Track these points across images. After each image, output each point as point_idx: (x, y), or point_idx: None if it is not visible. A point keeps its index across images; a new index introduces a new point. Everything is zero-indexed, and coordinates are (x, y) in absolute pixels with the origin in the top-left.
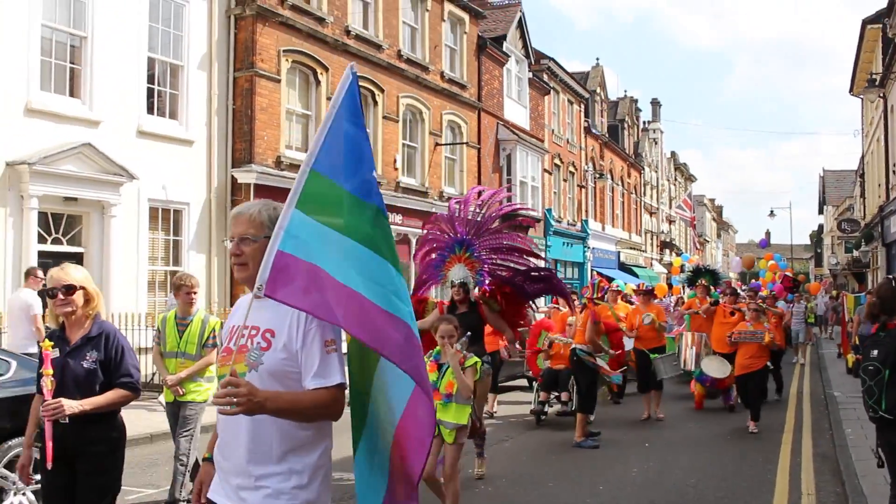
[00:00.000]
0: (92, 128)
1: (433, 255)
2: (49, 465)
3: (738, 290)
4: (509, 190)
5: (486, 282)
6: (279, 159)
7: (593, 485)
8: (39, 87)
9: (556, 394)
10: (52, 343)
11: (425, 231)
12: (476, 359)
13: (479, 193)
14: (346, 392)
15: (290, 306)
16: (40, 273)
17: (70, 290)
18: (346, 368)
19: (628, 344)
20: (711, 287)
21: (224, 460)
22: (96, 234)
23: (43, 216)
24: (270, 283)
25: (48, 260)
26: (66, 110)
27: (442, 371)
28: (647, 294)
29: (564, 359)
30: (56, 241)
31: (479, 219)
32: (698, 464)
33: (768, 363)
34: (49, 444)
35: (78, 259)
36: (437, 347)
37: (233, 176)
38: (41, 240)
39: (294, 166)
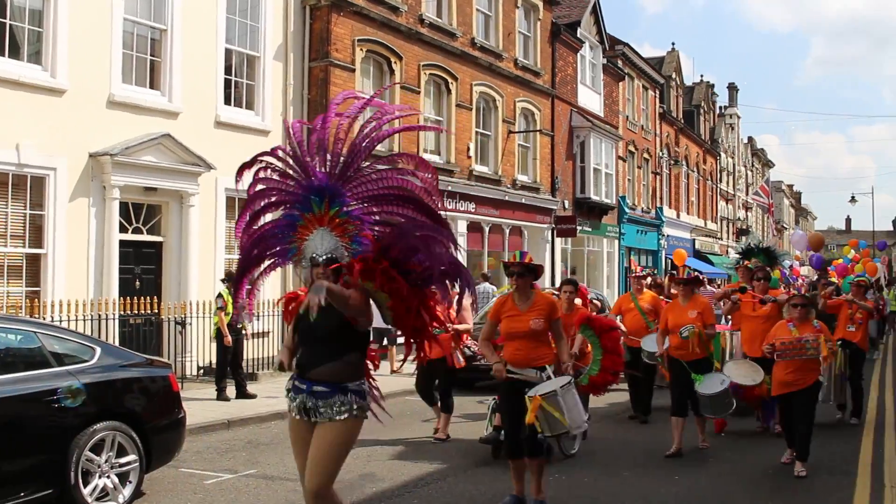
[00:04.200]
0: (171, 119)
1: (271, 217)
2: None
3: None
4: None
5: (364, 251)
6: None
7: None
8: (121, 79)
9: None
10: None
11: (253, 174)
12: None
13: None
14: None
15: None
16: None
17: None
18: None
19: (653, 343)
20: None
21: None
22: (175, 224)
23: (124, 206)
24: None
25: (129, 249)
26: (147, 102)
27: None
28: (691, 284)
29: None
30: (136, 231)
31: (343, 150)
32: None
33: (820, 378)
34: None
35: (157, 248)
36: None
37: None
38: (122, 229)
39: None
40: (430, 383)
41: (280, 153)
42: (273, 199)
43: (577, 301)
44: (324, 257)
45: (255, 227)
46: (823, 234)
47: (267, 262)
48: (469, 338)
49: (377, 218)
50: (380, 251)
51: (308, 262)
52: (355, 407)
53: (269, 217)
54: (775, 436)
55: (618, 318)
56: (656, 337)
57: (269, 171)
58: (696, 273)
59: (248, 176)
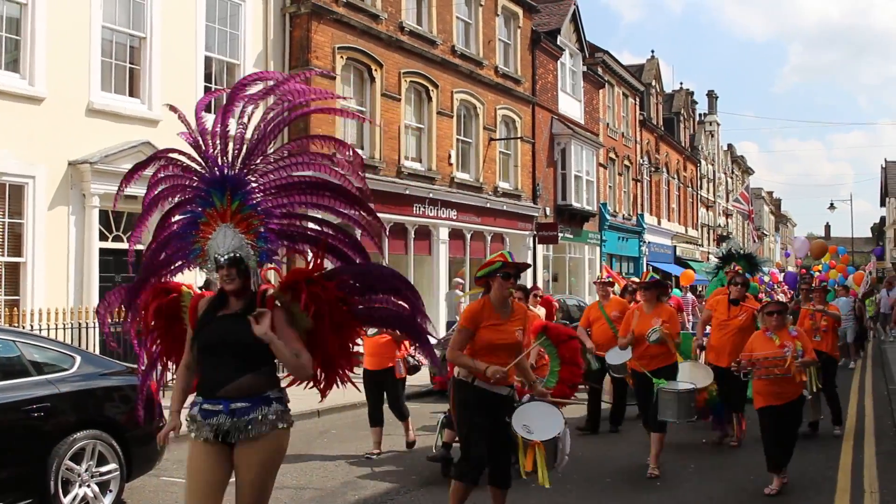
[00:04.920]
0: (151, 127)
1: (175, 215)
2: None
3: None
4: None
5: (281, 250)
6: (334, 156)
7: None
8: (100, 87)
9: None
10: None
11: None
12: None
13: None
14: None
15: None
16: None
17: None
18: None
19: (617, 356)
20: (748, 277)
21: None
22: None
23: (104, 214)
24: None
25: (109, 257)
26: (126, 110)
27: None
28: (654, 289)
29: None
30: (117, 239)
31: (251, 135)
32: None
33: (804, 392)
34: None
35: (138, 257)
36: None
37: None
38: (102, 237)
39: (350, 162)
40: (379, 398)
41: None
42: (177, 198)
43: (541, 311)
44: (225, 257)
45: (163, 230)
46: (813, 240)
47: (174, 266)
48: (412, 346)
49: (286, 210)
50: (338, 278)
51: (213, 263)
52: (282, 418)
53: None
54: (735, 448)
55: (586, 330)
56: (619, 343)
57: (171, 167)
58: (658, 278)
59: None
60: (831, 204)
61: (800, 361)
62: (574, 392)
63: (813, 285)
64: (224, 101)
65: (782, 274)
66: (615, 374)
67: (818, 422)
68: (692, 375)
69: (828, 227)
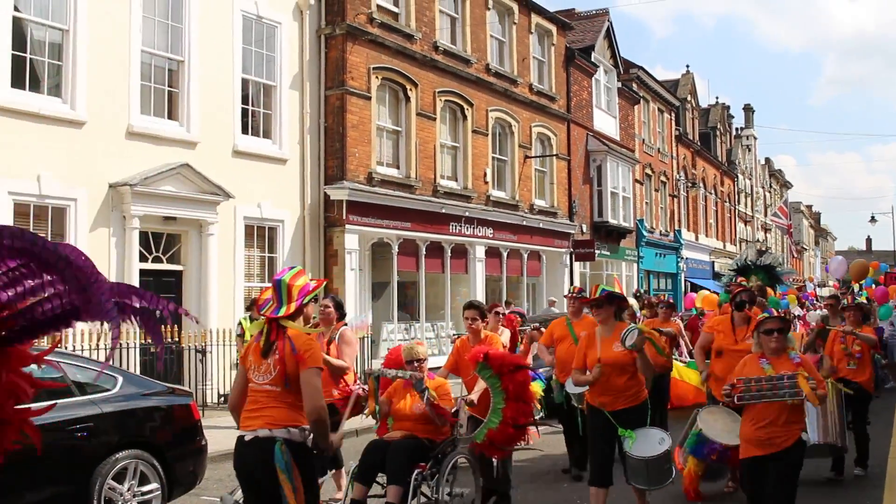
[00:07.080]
0: (189, 149)
1: None
2: None
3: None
4: None
5: None
6: (370, 175)
7: None
8: (140, 110)
9: (381, 484)
10: None
11: None
12: None
13: None
14: None
15: None
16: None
17: None
18: None
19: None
20: (768, 290)
21: None
22: (194, 253)
23: (144, 235)
24: None
25: (149, 278)
26: (165, 132)
27: None
28: (608, 305)
29: (408, 419)
30: (156, 260)
31: None
32: None
33: (803, 435)
34: None
35: (177, 277)
36: None
37: (325, 193)
38: (142, 258)
39: (385, 182)
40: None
41: None
42: None
43: (506, 334)
44: None
45: None
46: (846, 256)
47: None
48: (358, 382)
49: None
50: None
51: None
52: None
53: None
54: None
55: (548, 348)
56: (574, 378)
57: None
58: (610, 290)
59: None
60: (872, 217)
61: (816, 391)
62: (523, 435)
63: (845, 301)
64: None
65: (827, 283)
66: (576, 404)
67: (842, 453)
68: (724, 428)
69: (869, 241)
